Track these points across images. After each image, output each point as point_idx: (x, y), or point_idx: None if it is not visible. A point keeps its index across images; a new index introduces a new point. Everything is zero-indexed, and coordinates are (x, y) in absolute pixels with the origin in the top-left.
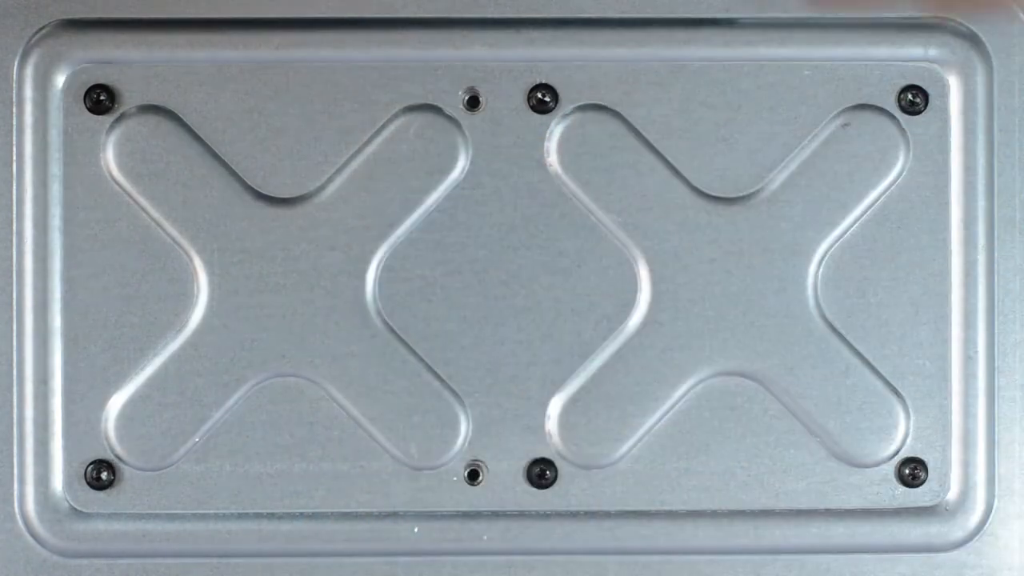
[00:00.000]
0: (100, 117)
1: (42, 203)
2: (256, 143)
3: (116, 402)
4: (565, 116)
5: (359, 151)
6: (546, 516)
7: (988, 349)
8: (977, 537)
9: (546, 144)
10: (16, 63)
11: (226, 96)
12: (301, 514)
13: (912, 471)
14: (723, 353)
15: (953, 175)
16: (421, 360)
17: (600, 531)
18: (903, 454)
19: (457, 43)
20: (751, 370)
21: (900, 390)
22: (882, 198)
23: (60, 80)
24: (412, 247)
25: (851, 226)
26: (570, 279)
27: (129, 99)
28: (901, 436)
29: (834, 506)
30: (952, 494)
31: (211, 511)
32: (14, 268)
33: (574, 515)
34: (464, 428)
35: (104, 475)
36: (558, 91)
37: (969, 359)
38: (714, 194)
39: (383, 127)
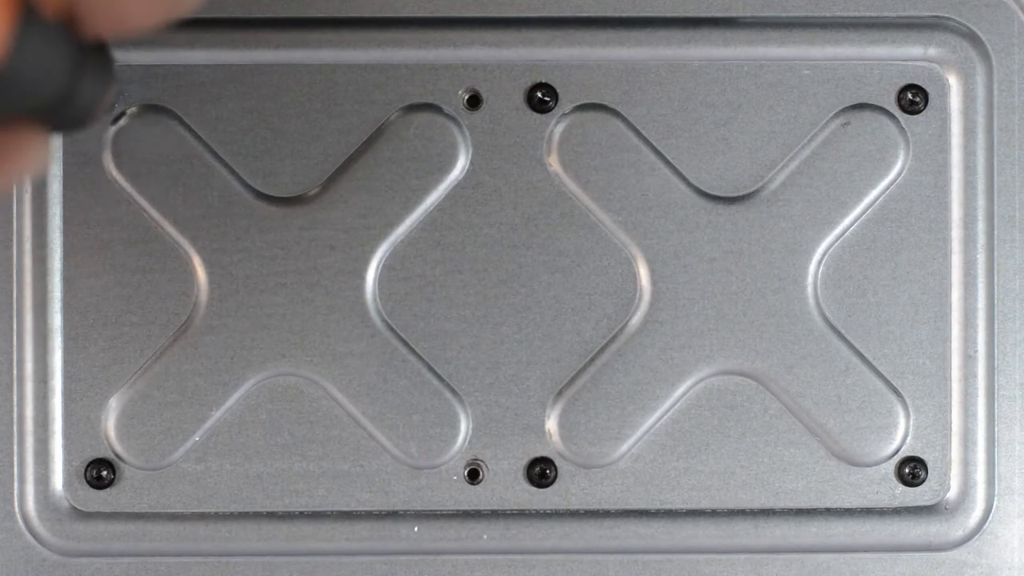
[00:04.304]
0: None
1: (42, 203)
2: (256, 143)
3: (116, 402)
4: (565, 116)
5: (359, 151)
6: (546, 515)
7: (988, 349)
8: (977, 536)
9: (546, 144)
10: None
11: (226, 96)
12: (301, 513)
13: (912, 470)
14: (723, 352)
15: (953, 175)
16: (421, 359)
17: (600, 530)
18: (903, 453)
19: (457, 43)
20: (751, 369)
21: (900, 389)
22: (882, 197)
23: None
24: (412, 247)
25: (851, 225)
26: (570, 278)
27: (129, 99)
28: (901, 435)
29: (834, 505)
30: (952, 493)
31: (211, 510)
32: (14, 268)
33: (574, 514)
34: (464, 427)
35: (104, 474)
36: (558, 91)
37: (969, 359)
38: (714, 194)
39: (383, 127)
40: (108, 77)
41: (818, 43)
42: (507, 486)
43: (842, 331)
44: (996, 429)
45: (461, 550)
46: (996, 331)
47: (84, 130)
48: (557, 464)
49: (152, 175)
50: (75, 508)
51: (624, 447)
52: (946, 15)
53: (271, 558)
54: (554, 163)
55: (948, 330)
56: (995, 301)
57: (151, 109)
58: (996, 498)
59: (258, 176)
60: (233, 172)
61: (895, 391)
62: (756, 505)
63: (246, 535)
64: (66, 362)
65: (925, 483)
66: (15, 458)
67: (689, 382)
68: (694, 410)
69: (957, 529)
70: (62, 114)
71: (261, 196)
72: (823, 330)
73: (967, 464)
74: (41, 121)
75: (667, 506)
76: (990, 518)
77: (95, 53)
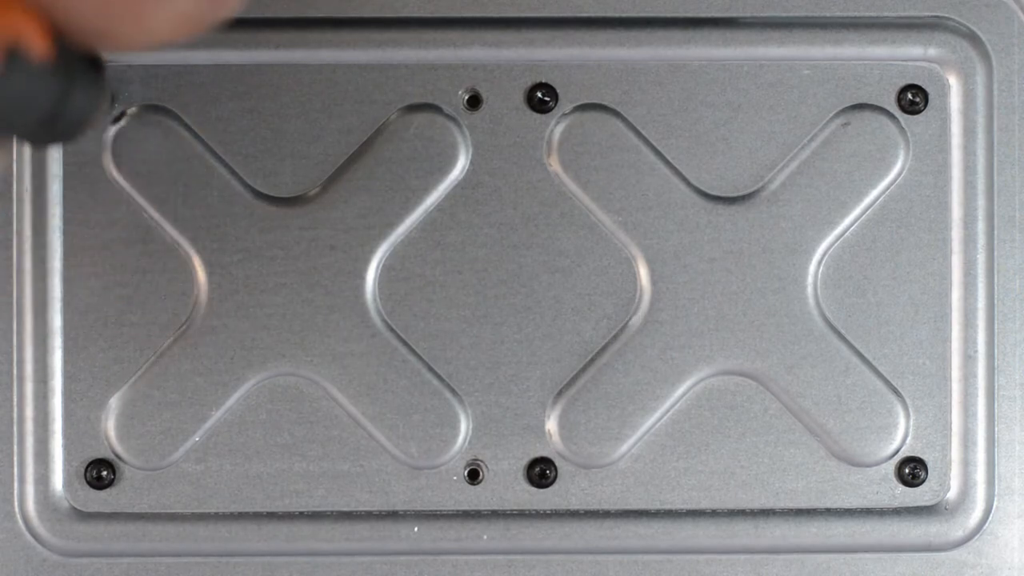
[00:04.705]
0: None
1: (42, 203)
2: (256, 143)
3: (116, 402)
4: (565, 116)
5: (359, 151)
6: (546, 516)
7: (988, 349)
8: (977, 536)
9: (546, 144)
10: None
11: (226, 96)
12: (301, 513)
13: (912, 470)
14: (723, 352)
15: (953, 175)
16: (421, 360)
17: (600, 531)
18: (903, 453)
19: (457, 43)
20: (751, 369)
21: (900, 389)
22: (882, 198)
23: None
24: (412, 247)
25: (851, 226)
26: (570, 278)
27: (129, 99)
28: (901, 435)
29: (834, 505)
30: (952, 493)
31: (211, 511)
32: (14, 268)
33: (574, 515)
34: (464, 427)
35: (104, 474)
36: (558, 91)
37: (969, 359)
38: (714, 194)
39: (383, 127)
40: (100, 90)
41: (818, 43)
42: (507, 486)
43: (842, 331)
44: (996, 429)
45: (461, 550)
46: (996, 331)
47: (77, 140)
48: (557, 464)
49: (152, 175)
50: (75, 508)
51: (624, 447)
52: (946, 15)
53: (271, 558)
54: (554, 163)
55: (948, 330)
56: (995, 301)
57: (151, 109)
58: (996, 498)
59: (258, 176)
60: (233, 172)
61: (895, 391)
62: (756, 505)
63: (246, 535)
64: (66, 362)
65: (925, 483)
66: (15, 458)
67: (689, 382)
68: (694, 410)
69: (957, 529)
70: (51, 130)
71: (261, 196)
72: (823, 330)
73: (967, 464)
74: (30, 137)
75: (667, 506)
76: (990, 518)
77: (86, 69)
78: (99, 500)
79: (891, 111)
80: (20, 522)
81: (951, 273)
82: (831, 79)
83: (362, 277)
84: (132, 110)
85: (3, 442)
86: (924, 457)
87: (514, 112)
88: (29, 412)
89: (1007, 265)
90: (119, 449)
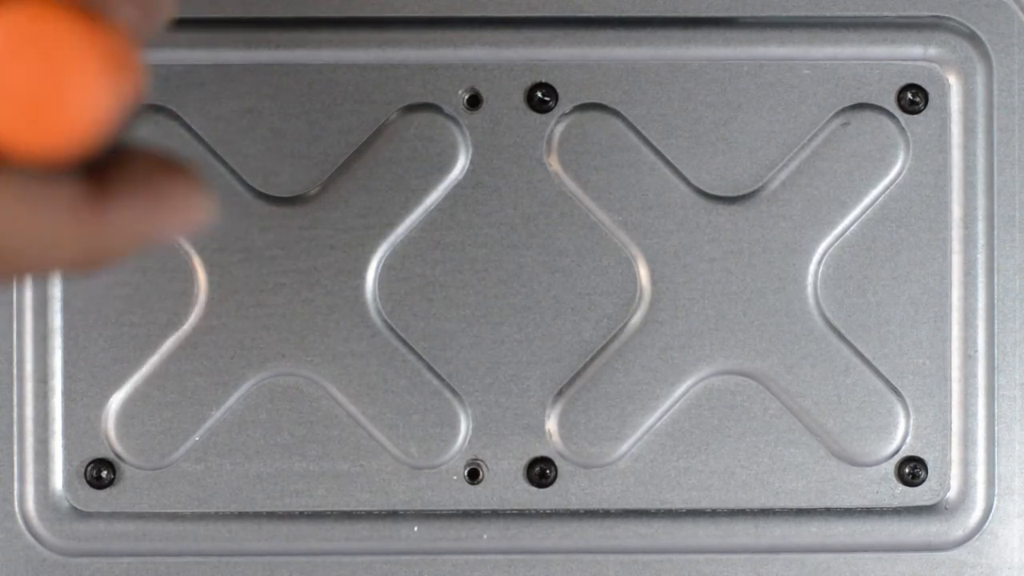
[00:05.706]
0: None
1: None
2: (256, 143)
3: (116, 401)
4: (565, 115)
5: (359, 151)
6: (546, 515)
7: (988, 348)
8: (977, 536)
9: (546, 144)
10: None
11: (226, 96)
12: (301, 513)
13: (912, 470)
14: (723, 352)
15: (953, 174)
16: (421, 359)
17: (600, 530)
18: (903, 453)
19: (457, 43)
20: (751, 369)
21: (900, 389)
22: (882, 197)
23: None
24: (412, 247)
25: (851, 225)
26: (570, 278)
27: None
28: (901, 435)
29: (834, 505)
30: (952, 493)
31: (211, 510)
32: None
33: (574, 514)
34: (464, 427)
35: (104, 474)
36: (558, 90)
37: (969, 358)
38: (714, 193)
39: (383, 127)
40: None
41: (818, 43)
42: (507, 486)
43: (842, 331)
44: (996, 429)
45: (461, 550)
46: (996, 331)
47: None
48: (557, 464)
49: None
50: (75, 508)
51: (624, 447)
52: (946, 15)
53: (271, 558)
54: (554, 163)
55: (948, 330)
56: (995, 301)
57: (151, 109)
58: (996, 498)
59: (258, 176)
60: (233, 172)
61: (895, 391)
62: (756, 505)
63: (246, 535)
64: (66, 362)
65: (925, 483)
66: (15, 458)
67: (689, 382)
68: (694, 410)
69: (957, 529)
70: None
71: (261, 196)
72: (823, 330)
73: (967, 464)
74: None
75: (667, 506)
76: (990, 518)
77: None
78: (99, 500)
79: (891, 111)
80: (20, 522)
81: (951, 273)
82: (831, 79)
83: (362, 277)
84: None
85: (3, 442)
86: (924, 457)
87: (514, 112)
88: (29, 412)
89: (1007, 265)
90: (119, 449)
